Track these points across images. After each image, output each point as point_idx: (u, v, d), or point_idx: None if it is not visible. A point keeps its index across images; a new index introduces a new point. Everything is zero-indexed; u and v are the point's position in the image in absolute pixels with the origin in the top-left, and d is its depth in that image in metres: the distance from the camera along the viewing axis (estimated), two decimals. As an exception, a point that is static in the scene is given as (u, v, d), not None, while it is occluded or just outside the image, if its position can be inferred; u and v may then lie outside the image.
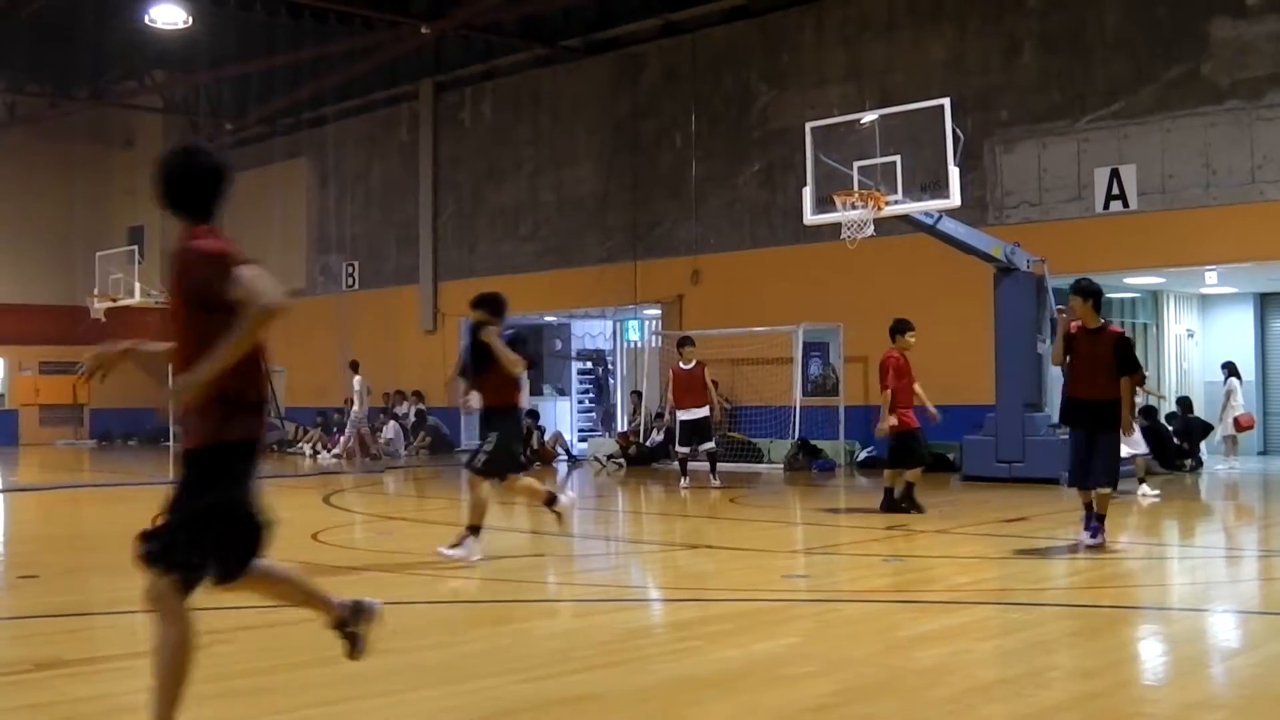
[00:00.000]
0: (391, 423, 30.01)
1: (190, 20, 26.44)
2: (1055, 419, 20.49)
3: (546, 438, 27.13)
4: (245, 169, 37.54)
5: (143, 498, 18.55)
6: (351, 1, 27.69)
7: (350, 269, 34.07)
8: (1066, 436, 12.00)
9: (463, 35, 29.82)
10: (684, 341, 20.10)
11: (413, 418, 30.72)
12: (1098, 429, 11.38)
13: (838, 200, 17.79)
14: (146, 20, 26.68)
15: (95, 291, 33.07)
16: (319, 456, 29.05)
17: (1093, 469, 11.37)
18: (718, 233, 26.51)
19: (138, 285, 32.12)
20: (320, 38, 29.83)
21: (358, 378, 28.78)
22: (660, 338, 27.31)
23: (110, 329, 34.20)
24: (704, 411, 19.32)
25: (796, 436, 23.27)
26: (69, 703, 6.19)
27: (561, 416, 31.20)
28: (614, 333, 32.03)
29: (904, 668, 6.81)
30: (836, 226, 17.93)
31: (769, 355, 24.75)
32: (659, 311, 27.81)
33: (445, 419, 30.76)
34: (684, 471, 19.43)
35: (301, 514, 16.51)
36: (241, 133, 37.41)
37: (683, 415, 19.45)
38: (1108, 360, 11.39)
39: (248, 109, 36.37)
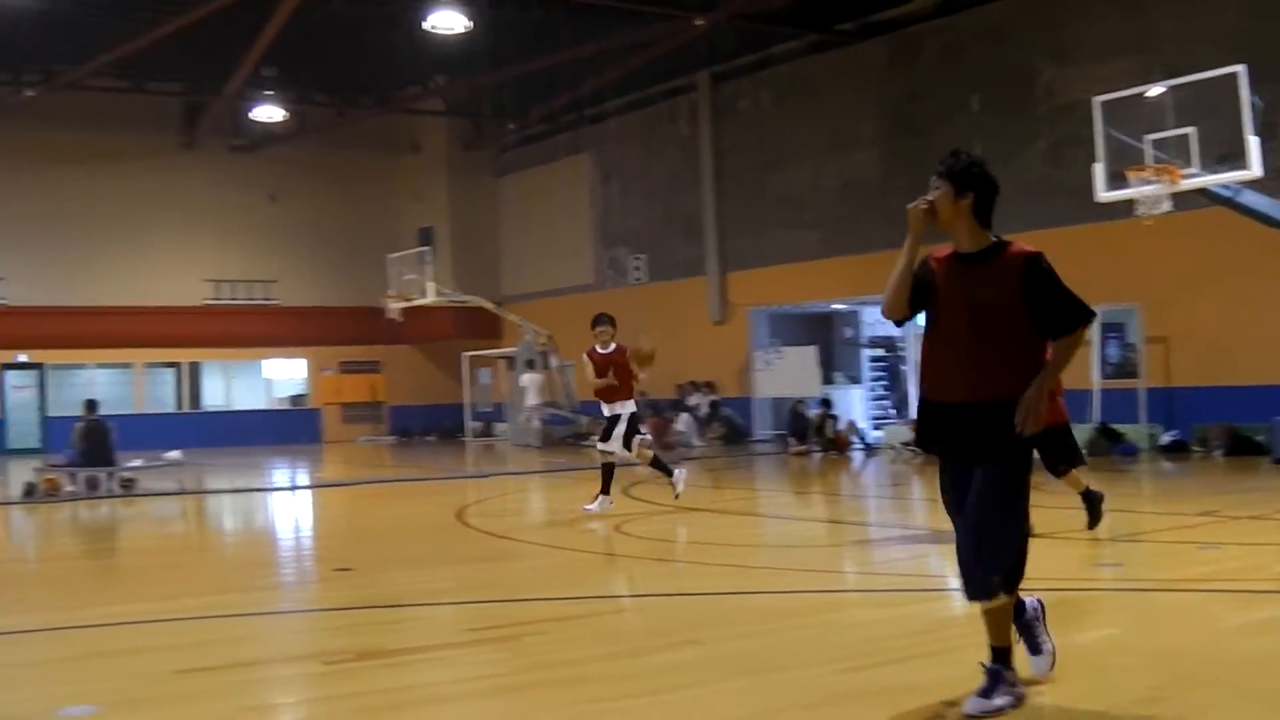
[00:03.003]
0: (684, 414, 30.24)
1: (470, 24, 27.08)
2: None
3: (840, 426, 26.99)
4: (530, 166, 38.47)
5: (443, 492, 19.23)
6: (625, -3, 27.97)
7: (638, 262, 34.45)
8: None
9: (736, 25, 29.86)
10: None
11: (706, 409, 30.92)
12: (980, 456, 5.75)
13: (1131, 176, 17.27)
14: (426, 27, 27.46)
15: (390, 292, 34.17)
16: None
17: (980, 552, 5.76)
18: (1004, 214, 25.76)
19: (431, 285, 33.08)
20: (596, 34, 30.20)
21: None
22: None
23: (406, 328, 35.41)
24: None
25: (1096, 421, 22.57)
26: (391, 691, 6.37)
27: (854, 404, 30.98)
28: (905, 319, 31.63)
29: (1232, 659, 6.52)
30: (1129, 204, 17.39)
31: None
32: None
33: (739, 409, 30.89)
34: None
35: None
36: (525, 131, 38.26)
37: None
38: (1010, 312, 5.72)
39: (529, 108, 37.12)
